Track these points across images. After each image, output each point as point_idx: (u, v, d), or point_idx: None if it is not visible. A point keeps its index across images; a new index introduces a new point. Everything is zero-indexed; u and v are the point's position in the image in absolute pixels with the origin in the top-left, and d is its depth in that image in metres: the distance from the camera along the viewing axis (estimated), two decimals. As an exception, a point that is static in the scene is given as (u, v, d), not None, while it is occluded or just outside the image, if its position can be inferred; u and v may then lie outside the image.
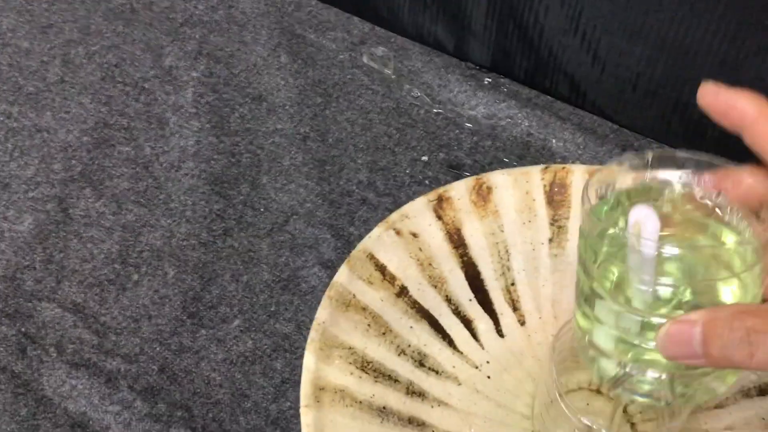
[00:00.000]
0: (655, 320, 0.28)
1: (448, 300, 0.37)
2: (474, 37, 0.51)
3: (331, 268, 0.42)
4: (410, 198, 0.45)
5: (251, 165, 0.47)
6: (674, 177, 0.31)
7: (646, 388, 0.30)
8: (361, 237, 0.41)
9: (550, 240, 0.39)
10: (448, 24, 0.51)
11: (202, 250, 0.43)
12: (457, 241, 0.38)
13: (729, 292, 0.29)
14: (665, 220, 0.30)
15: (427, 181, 0.46)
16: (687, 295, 0.29)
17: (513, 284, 0.38)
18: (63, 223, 0.44)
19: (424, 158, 0.48)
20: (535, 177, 0.40)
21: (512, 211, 0.39)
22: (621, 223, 0.30)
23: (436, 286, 0.37)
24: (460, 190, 0.39)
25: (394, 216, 0.38)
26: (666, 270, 0.29)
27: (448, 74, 0.52)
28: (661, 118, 0.47)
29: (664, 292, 0.29)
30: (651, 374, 0.30)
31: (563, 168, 0.40)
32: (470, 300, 0.38)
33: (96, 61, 0.52)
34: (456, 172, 0.47)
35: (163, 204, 0.45)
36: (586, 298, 0.31)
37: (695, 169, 0.30)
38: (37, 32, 0.53)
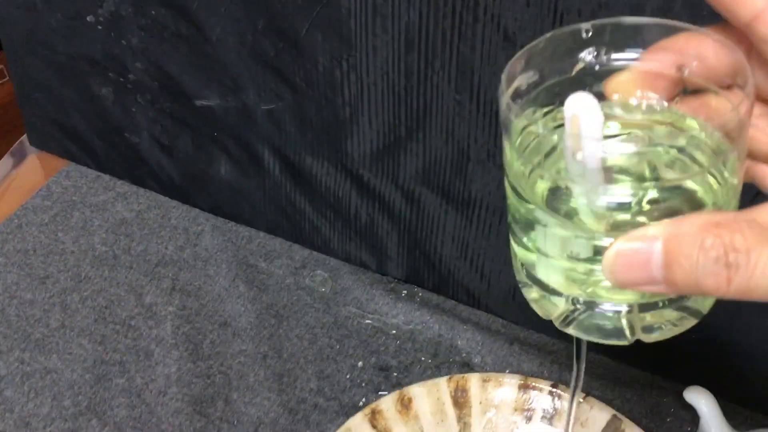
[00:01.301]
0: (609, 240, 0.23)
1: (386, 491, 0.50)
2: (390, 260, 0.65)
3: (295, 469, 0.54)
4: (352, 400, 0.58)
5: (223, 384, 0.59)
6: (620, 56, 0.26)
7: (603, 324, 0.26)
8: (315, 438, 0.53)
9: (458, 434, 0.52)
10: (369, 250, 0.66)
11: (191, 464, 0.54)
12: (388, 443, 0.51)
13: (702, 193, 0.24)
14: (609, 113, 0.26)
15: (363, 384, 0.59)
16: (645, 205, 0.23)
17: (434, 472, 0.51)
18: (77, 453, 0.55)
19: (360, 364, 0.61)
20: (442, 386, 0.53)
21: (428, 415, 0.52)
22: (551, 121, 0.25)
23: (375, 482, 0.50)
24: (388, 403, 0.52)
25: (341, 430, 0.51)
26: (617, 174, 0.24)
27: (374, 289, 0.66)
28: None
29: (619, 201, 0.23)
30: (607, 308, 0.25)
31: (463, 377, 0.53)
32: (403, 489, 0.50)
33: (89, 305, 0.64)
34: (385, 373, 0.60)
35: (155, 427, 0.56)
36: (522, 223, 0.26)
37: (646, 42, 0.26)
38: (37, 283, 0.66)
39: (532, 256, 0.26)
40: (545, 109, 0.27)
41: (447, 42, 0.50)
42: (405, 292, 0.66)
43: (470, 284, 0.63)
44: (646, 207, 0.23)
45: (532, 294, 0.27)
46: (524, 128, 0.25)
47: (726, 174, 0.24)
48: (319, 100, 0.58)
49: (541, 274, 0.26)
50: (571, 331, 0.27)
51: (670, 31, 0.26)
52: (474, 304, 0.64)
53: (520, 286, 0.28)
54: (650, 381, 0.58)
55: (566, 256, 0.24)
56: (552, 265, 0.25)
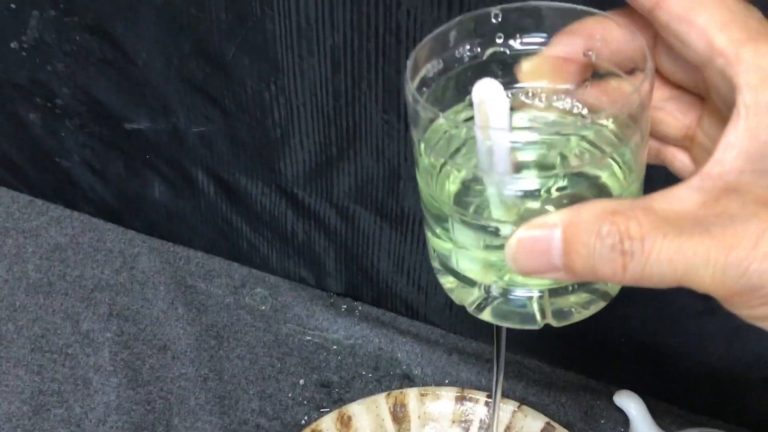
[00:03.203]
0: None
1: None
2: (329, 275, 0.66)
3: (238, 491, 0.54)
4: (294, 418, 0.58)
5: (164, 410, 0.59)
6: (530, 40, 0.27)
7: (515, 310, 0.26)
8: (258, 459, 0.54)
9: (398, 448, 0.53)
10: (308, 266, 0.66)
11: (134, 492, 0.54)
12: (329, 462, 0.52)
13: (607, 179, 0.24)
14: (520, 103, 0.26)
15: (305, 402, 0.60)
16: (554, 193, 0.23)
17: (375, 488, 0.52)
18: (16, 488, 0.54)
19: (302, 381, 0.61)
20: (381, 403, 0.54)
21: (368, 431, 0.53)
22: (458, 108, 0.25)
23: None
24: (327, 423, 0.53)
25: (281, 453, 0.51)
26: (524, 162, 0.25)
27: (314, 305, 0.66)
28: (475, 324, 0.63)
29: (526, 189, 0.24)
30: (519, 294, 0.26)
31: (401, 392, 0.54)
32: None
33: (24, 334, 0.63)
34: (327, 389, 0.61)
35: (96, 457, 0.56)
36: (434, 215, 0.26)
37: (554, 27, 0.26)
38: (-30, 314, 0.64)
39: (446, 246, 0.26)
40: (456, 106, 0.27)
41: (372, 64, 0.51)
42: (345, 306, 0.66)
43: (408, 296, 0.63)
44: (554, 195, 0.24)
45: (447, 282, 0.27)
46: (432, 120, 0.25)
47: (628, 157, 0.24)
48: (249, 122, 0.58)
49: (455, 263, 0.26)
50: (484, 317, 0.27)
51: (577, 16, 0.26)
52: (413, 315, 0.65)
53: (435, 272, 0.28)
54: (584, 384, 0.60)
55: (481, 245, 0.25)
56: (465, 255, 0.25)
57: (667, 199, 0.22)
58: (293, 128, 0.57)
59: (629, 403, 0.52)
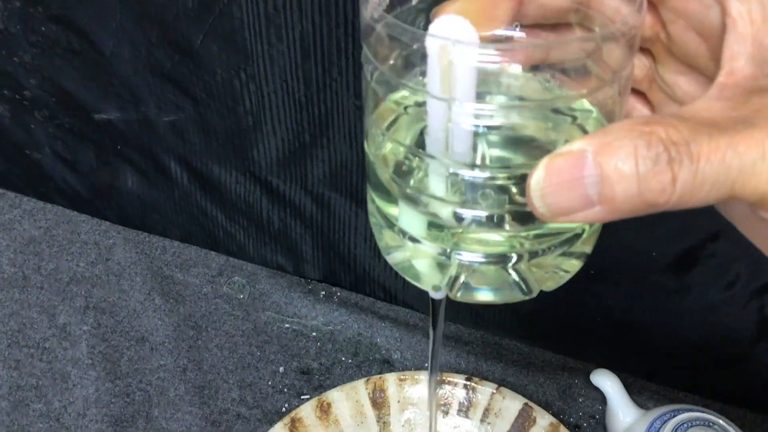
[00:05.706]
0: (481, 178, 0.21)
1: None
2: (307, 262, 0.65)
3: (220, 480, 0.54)
4: (275, 406, 0.58)
5: (143, 401, 0.59)
6: None
7: (495, 282, 0.23)
8: (239, 448, 0.54)
9: (378, 433, 0.53)
10: (285, 253, 0.66)
11: (115, 485, 0.54)
12: (310, 449, 0.52)
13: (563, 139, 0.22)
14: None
15: (285, 390, 0.60)
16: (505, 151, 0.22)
17: (356, 473, 0.52)
18: (-4, 485, 0.54)
19: (281, 369, 0.61)
20: (360, 389, 0.54)
21: (348, 418, 0.53)
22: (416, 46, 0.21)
23: (299, 489, 0.50)
24: (307, 410, 0.53)
25: (261, 442, 0.51)
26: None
27: (292, 292, 0.66)
28: (453, 307, 0.63)
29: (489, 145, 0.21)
30: (489, 262, 0.23)
31: (380, 378, 0.54)
32: (326, 492, 0.51)
33: (0, 329, 0.63)
34: (307, 376, 0.61)
35: (76, 451, 0.56)
36: (377, 178, 0.23)
37: None
38: (-56, 311, 0.64)
39: (393, 208, 0.24)
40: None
41: (342, 50, 0.50)
42: (323, 292, 0.66)
43: (386, 281, 0.63)
44: (516, 171, 0.22)
45: (405, 260, 0.25)
46: (394, 40, 0.22)
47: (610, 99, 0.22)
48: (220, 110, 0.57)
49: (408, 225, 0.23)
50: (462, 297, 0.24)
51: None
52: (391, 300, 0.65)
53: (396, 266, 0.26)
54: (561, 364, 0.60)
55: (442, 198, 0.22)
56: (419, 216, 0.23)
57: (693, 110, 0.20)
58: (265, 116, 0.56)
59: (605, 381, 0.53)
